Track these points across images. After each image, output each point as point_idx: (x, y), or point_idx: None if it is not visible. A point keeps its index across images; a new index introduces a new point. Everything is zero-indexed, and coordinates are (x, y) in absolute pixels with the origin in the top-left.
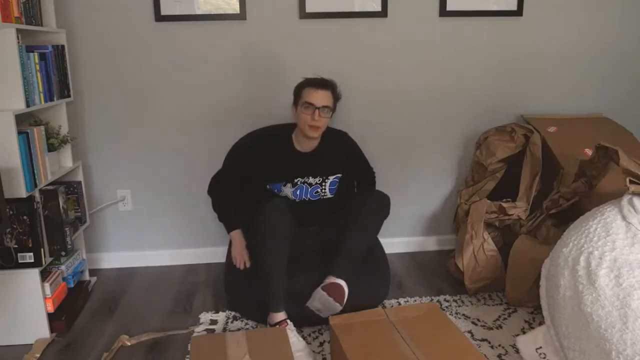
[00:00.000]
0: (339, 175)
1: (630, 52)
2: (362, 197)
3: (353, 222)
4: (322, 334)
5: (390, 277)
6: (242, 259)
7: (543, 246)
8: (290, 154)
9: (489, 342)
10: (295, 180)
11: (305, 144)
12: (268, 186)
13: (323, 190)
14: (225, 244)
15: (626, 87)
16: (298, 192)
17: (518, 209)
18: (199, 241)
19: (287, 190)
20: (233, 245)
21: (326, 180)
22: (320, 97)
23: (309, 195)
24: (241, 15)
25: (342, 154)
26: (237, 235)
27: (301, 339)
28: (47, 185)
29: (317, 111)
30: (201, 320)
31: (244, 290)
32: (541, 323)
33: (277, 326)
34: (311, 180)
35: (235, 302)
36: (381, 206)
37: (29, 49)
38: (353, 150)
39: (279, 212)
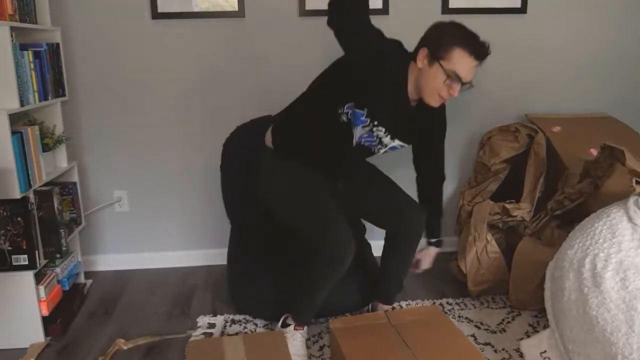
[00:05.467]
0: (406, 145)
1: (635, 51)
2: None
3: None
4: (322, 337)
5: None
6: None
7: (547, 248)
8: (400, 98)
9: (493, 346)
10: (378, 131)
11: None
12: (343, 109)
13: (381, 149)
14: (224, 245)
15: (631, 86)
16: (363, 140)
17: (522, 210)
18: (197, 243)
19: (359, 131)
20: None
21: (394, 139)
22: (471, 71)
23: (367, 144)
24: (239, 13)
25: (432, 126)
26: None
27: (305, 347)
28: (41, 186)
29: (457, 86)
30: (199, 324)
31: (250, 288)
32: (545, 326)
33: (291, 326)
34: (383, 138)
35: (240, 300)
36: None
37: (23, 47)
38: (443, 127)
39: (348, 252)
